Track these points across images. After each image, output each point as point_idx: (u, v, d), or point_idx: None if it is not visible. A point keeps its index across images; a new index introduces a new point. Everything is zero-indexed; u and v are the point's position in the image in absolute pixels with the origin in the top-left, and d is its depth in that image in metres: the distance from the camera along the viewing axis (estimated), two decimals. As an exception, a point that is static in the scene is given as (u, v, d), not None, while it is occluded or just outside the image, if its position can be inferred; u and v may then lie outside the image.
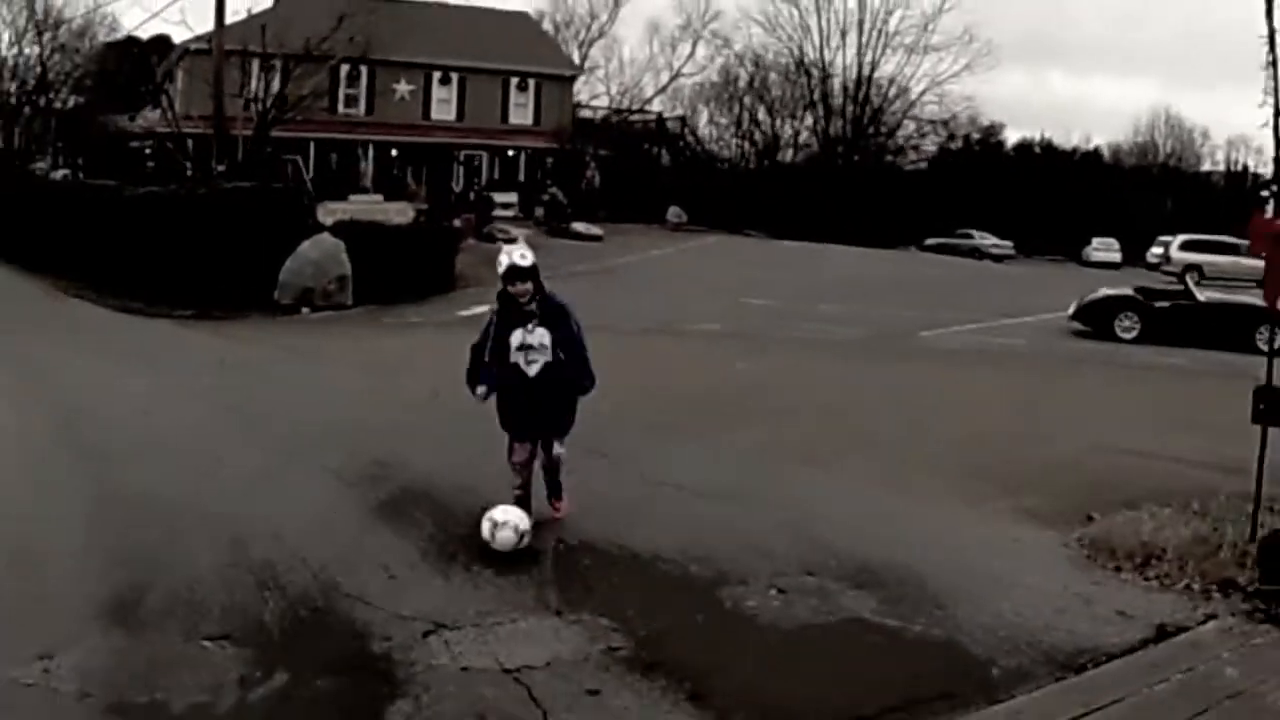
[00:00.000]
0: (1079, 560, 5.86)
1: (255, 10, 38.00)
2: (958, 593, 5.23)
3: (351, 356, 15.32)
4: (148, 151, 37.24)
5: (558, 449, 6.36)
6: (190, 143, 31.63)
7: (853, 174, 45.86)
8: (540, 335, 6.18)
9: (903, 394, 12.04)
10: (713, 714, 4.05)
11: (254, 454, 8.29)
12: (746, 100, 48.88)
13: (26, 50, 48.54)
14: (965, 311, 20.11)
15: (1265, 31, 4.29)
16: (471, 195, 37.60)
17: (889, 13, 48.33)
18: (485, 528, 5.68)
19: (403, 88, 41.54)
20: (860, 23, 48.56)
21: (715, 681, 4.24)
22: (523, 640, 4.72)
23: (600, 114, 47.13)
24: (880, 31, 48.52)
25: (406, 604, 5.11)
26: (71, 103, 47.42)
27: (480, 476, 6.93)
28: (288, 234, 22.21)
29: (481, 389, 6.27)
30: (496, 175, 42.44)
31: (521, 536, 5.67)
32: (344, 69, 38.90)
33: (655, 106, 49.49)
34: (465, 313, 20.32)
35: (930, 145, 48.48)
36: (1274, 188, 4.79)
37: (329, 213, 25.19)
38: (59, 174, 39.45)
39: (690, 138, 48.39)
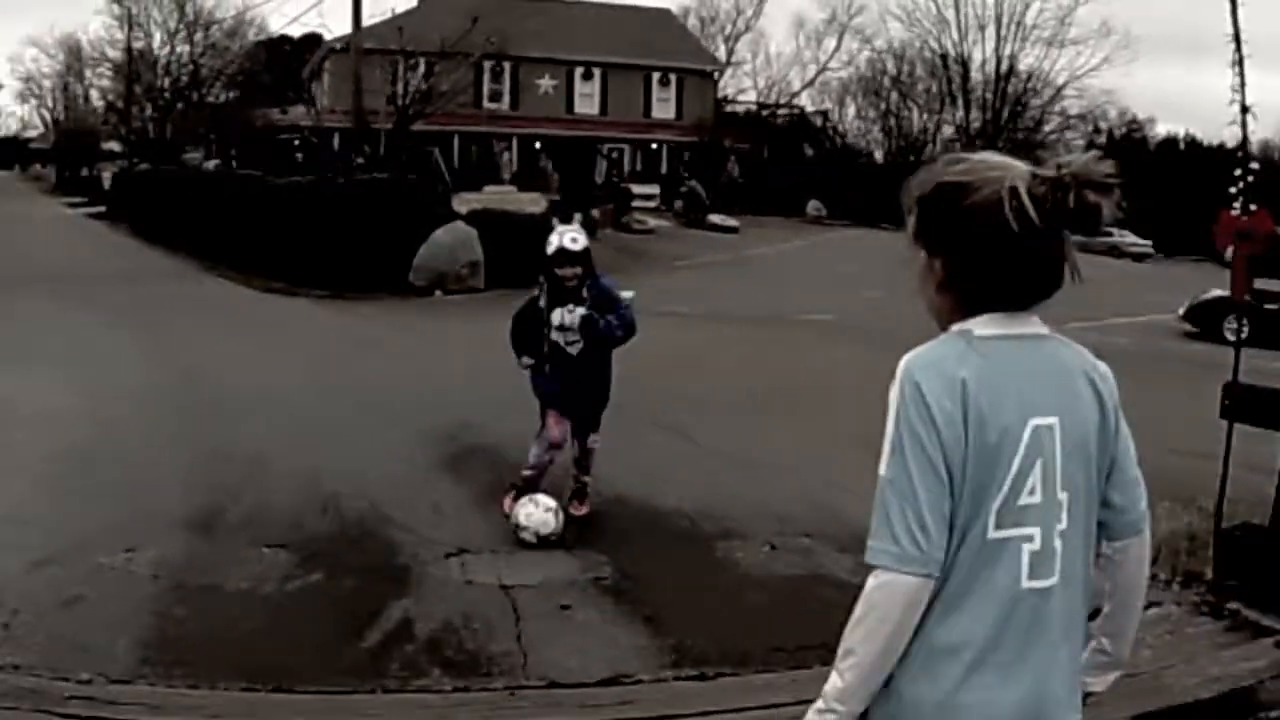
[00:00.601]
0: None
1: (400, 9, 40.00)
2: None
3: (468, 334, 16.21)
4: (296, 144, 39.35)
5: (594, 439, 6.38)
6: (337, 136, 33.45)
7: (993, 169, 45.58)
8: (578, 317, 6.07)
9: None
10: (661, 634, 4.72)
11: (350, 413, 9.36)
12: (891, 94, 48.86)
13: (179, 49, 51.48)
14: (1080, 309, 19.90)
15: (1231, 31, 4.59)
16: (608, 187, 38.57)
17: (1026, 6, 47.56)
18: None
19: (546, 83, 42.94)
20: (998, 16, 47.81)
21: (675, 611, 4.93)
22: (526, 566, 5.55)
23: (744, 108, 47.68)
24: (1018, 24, 47.69)
25: (441, 534, 6.02)
26: (224, 97, 49.73)
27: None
28: (422, 222, 23.47)
29: (527, 359, 6.30)
30: (639, 168, 43.43)
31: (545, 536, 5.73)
32: (488, 65, 40.34)
33: (803, 100, 49.90)
34: (586, 296, 21.29)
35: (1078, 139, 47.53)
36: (1239, 185, 5.04)
37: (464, 202, 26.47)
38: (211, 164, 41.50)
39: (832, 131, 48.56)
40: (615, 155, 43.56)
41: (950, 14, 48.40)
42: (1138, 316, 20.12)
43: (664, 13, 47.14)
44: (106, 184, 44.87)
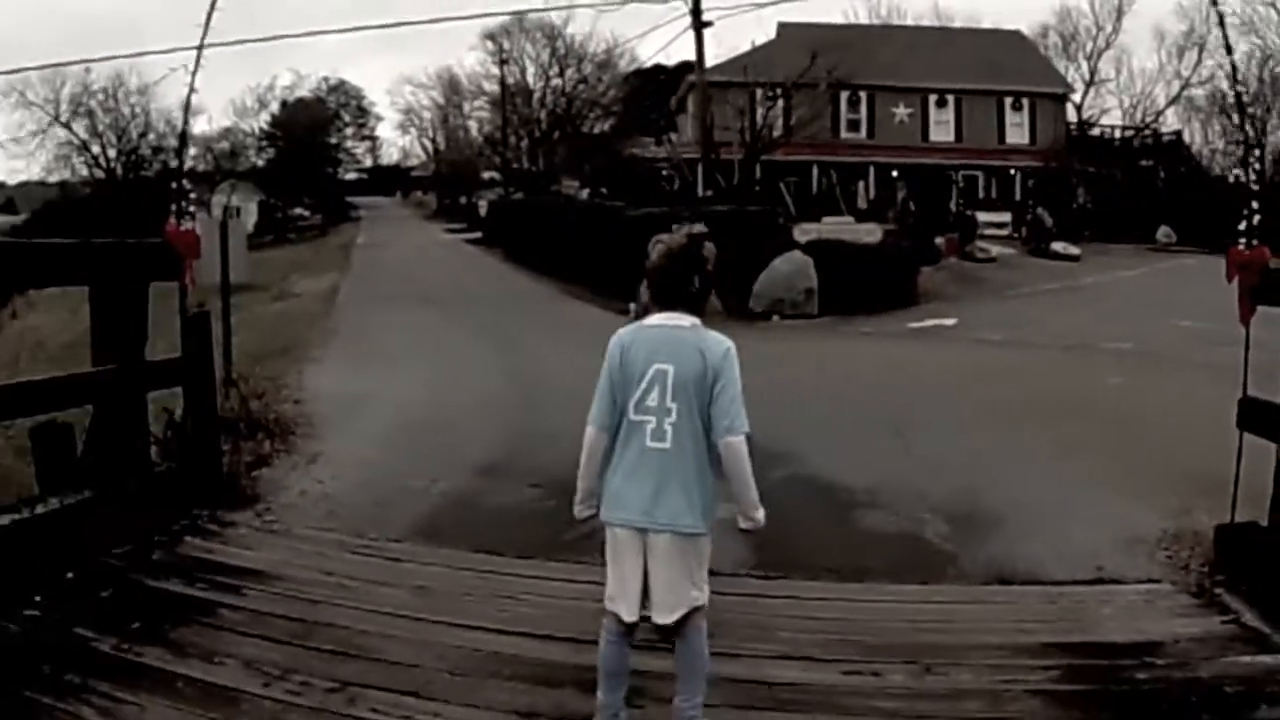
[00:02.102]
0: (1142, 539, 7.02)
1: (759, 42, 42.49)
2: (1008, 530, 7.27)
3: (788, 355, 17.98)
4: (665, 174, 41.89)
5: None
6: (700, 166, 36.11)
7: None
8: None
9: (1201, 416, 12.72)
10: (759, 559, 6.34)
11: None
12: (1255, 110, 46.34)
13: (553, 81, 55.73)
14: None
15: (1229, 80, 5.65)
16: (955, 215, 39.33)
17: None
18: None
19: (901, 111, 44.17)
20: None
21: (783, 544, 6.57)
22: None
23: (1096, 130, 46.88)
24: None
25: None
26: (598, 128, 53.51)
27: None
28: (763, 251, 25.65)
29: None
30: (994, 194, 43.82)
31: None
32: (844, 95, 42.14)
33: (1169, 116, 48.45)
34: (915, 324, 22.65)
35: None
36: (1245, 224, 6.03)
37: (803, 232, 28.54)
38: (584, 194, 45.18)
39: (1185, 153, 46.80)
40: (960, 184, 44.10)
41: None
42: None
43: (1015, 34, 47.28)
44: (482, 211, 49.80)
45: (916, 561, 6.63)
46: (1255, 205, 5.98)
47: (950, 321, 22.87)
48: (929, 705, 4.43)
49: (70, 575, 5.60)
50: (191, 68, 7.65)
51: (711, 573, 6.13)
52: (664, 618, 3.77)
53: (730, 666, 4.50)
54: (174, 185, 7.82)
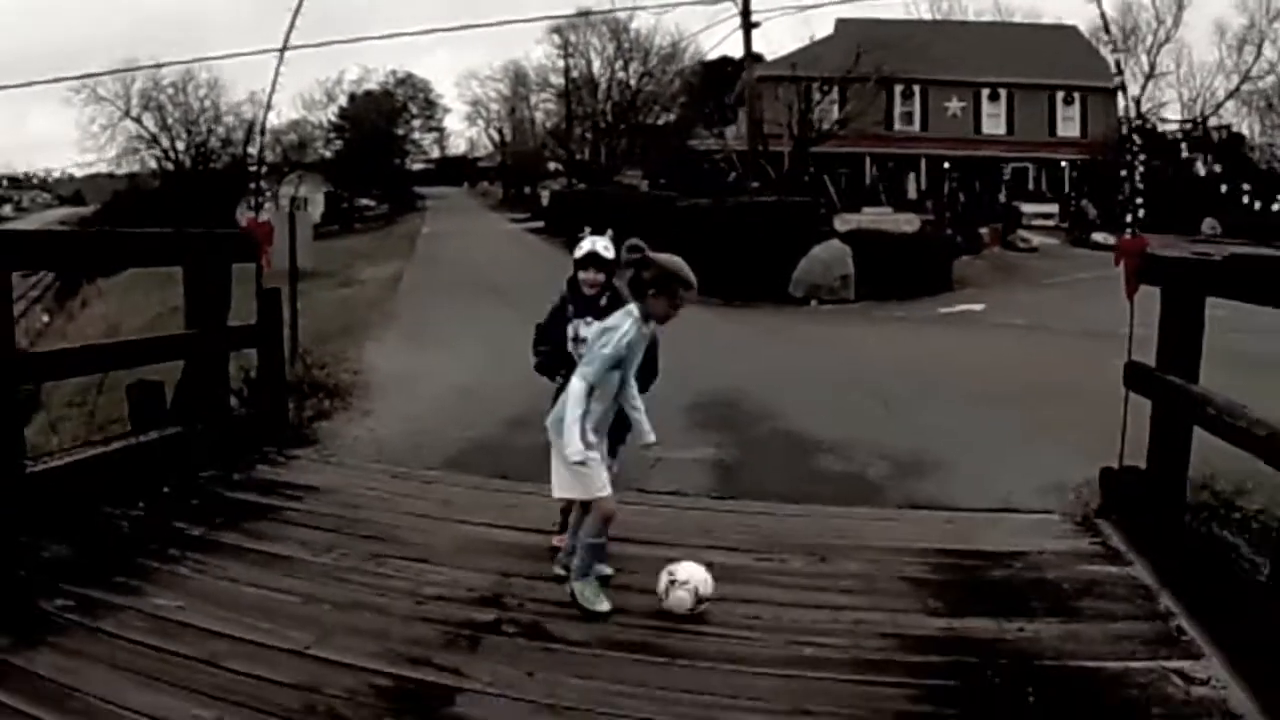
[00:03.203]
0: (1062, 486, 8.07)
1: (818, 37, 43.69)
2: (943, 474, 8.62)
3: (816, 336, 19.27)
4: (722, 166, 43.09)
5: (612, 464, 5.91)
6: (751, 158, 37.44)
7: None
8: (594, 330, 5.70)
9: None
10: (721, 487, 7.78)
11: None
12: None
13: (618, 74, 56.78)
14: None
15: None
16: (1000, 206, 40.33)
17: None
18: (662, 580, 5.24)
19: (954, 105, 45.17)
20: None
21: (740, 472, 8.01)
22: (679, 447, 8.81)
23: (1151, 124, 47.44)
24: None
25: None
26: (662, 120, 54.38)
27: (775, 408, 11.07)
28: (803, 239, 27.06)
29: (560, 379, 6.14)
30: (1044, 186, 44.75)
31: (699, 602, 5.17)
32: (898, 89, 43.27)
33: (1229, 109, 48.94)
34: (945, 310, 23.83)
35: None
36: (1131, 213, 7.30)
37: (844, 222, 29.95)
38: (644, 185, 46.72)
39: (1234, 146, 47.28)
40: (1014, 175, 44.99)
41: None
42: None
43: (1070, 29, 47.93)
44: (544, 201, 51.35)
45: (853, 493, 8.02)
46: (1139, 200, 7.27)
47: (979, 307, 24.01)
48: (814, 581, 5.81)
49: (166, 489, 7.16)
50: (273, 71, 9.12)
51: (675, 494, 7.64)
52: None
53: (676, 552, 5.83)
54: (249, 180, 9.29)
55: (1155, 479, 6.65)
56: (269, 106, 9.81)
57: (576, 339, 6.10)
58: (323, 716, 4.10)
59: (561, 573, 5.58)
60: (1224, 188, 42.66)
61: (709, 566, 5.34)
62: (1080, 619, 5.34)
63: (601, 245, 6.18)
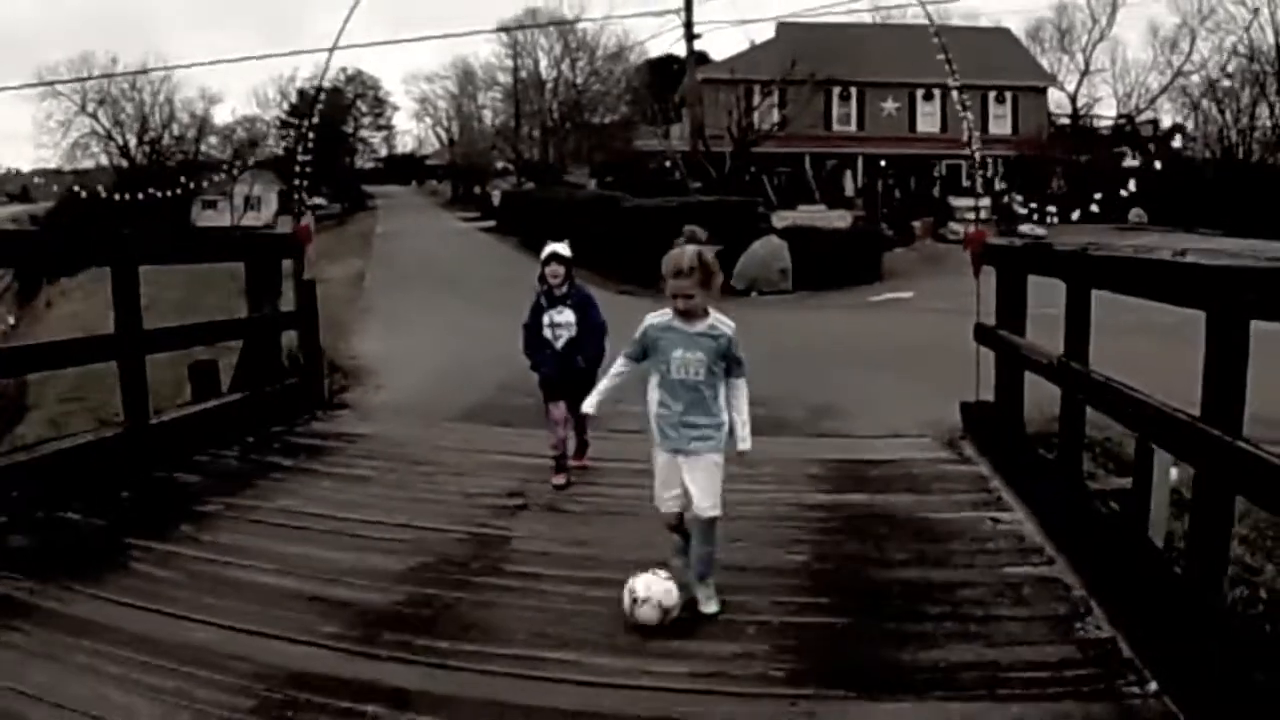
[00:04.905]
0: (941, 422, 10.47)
1: (759, 41, 46.31)
2: (848, 416, 11.17)
3: (757, 323, 21.44)
4: (667, 166, 45.54)
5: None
6: (692, 159, 39.99)
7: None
8: (567, 316, 8.08)
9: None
10: None
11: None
12: (1244, 97, 50.07)
13: (565, 73, 58.69)
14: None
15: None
16: (932, 201, 43.20)
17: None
18: (625, 599, 5.31)
19: (890, 105, 47.96)
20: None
21: None
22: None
23: (1088, 121, 50.69)
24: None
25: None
26: (609, 119, 56.68)
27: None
28: (743, 235, 29.67)
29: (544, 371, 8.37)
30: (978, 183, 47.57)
31: (666, 613, 5.26)
32: (835, 90, 46.02)
33: (1163, 105, 52.40)
34: (875, 298, 26.53)
35: None
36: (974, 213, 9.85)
37: (781, 219, 32.61)
38: (591, 184, 48.84)
39: (1159, 140, 50.57)
40: (948, 171, 47.83)
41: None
42: None
43: (1003, 32, 51.14)
44: (496, 201, 53.45)
45: (776, 430, 10.50)
46: (982, 200, 9.85)
47: (908, 295, 26.71)
48: (741, 474, 8.17)
49: (250, 439, 9.54)
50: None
51: (636, 432, 10.09)
52: None
53: (638, 464, 8.15)
54: (293, 192, 11.64)
55: (998, 407, 9.21)
56: (315, 103, 12.14)
57: (553, 325, 8.11)
58: (432, 551, 6.48)
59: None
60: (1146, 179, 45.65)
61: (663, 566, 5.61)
62: (931, 493, 7.94)
63: (561, 247, 8.13)
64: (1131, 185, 43.95)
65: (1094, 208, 43.33)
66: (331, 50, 12.04)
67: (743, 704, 4.53)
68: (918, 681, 4.67)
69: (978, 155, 11.29)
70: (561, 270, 8.07)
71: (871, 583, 5.96)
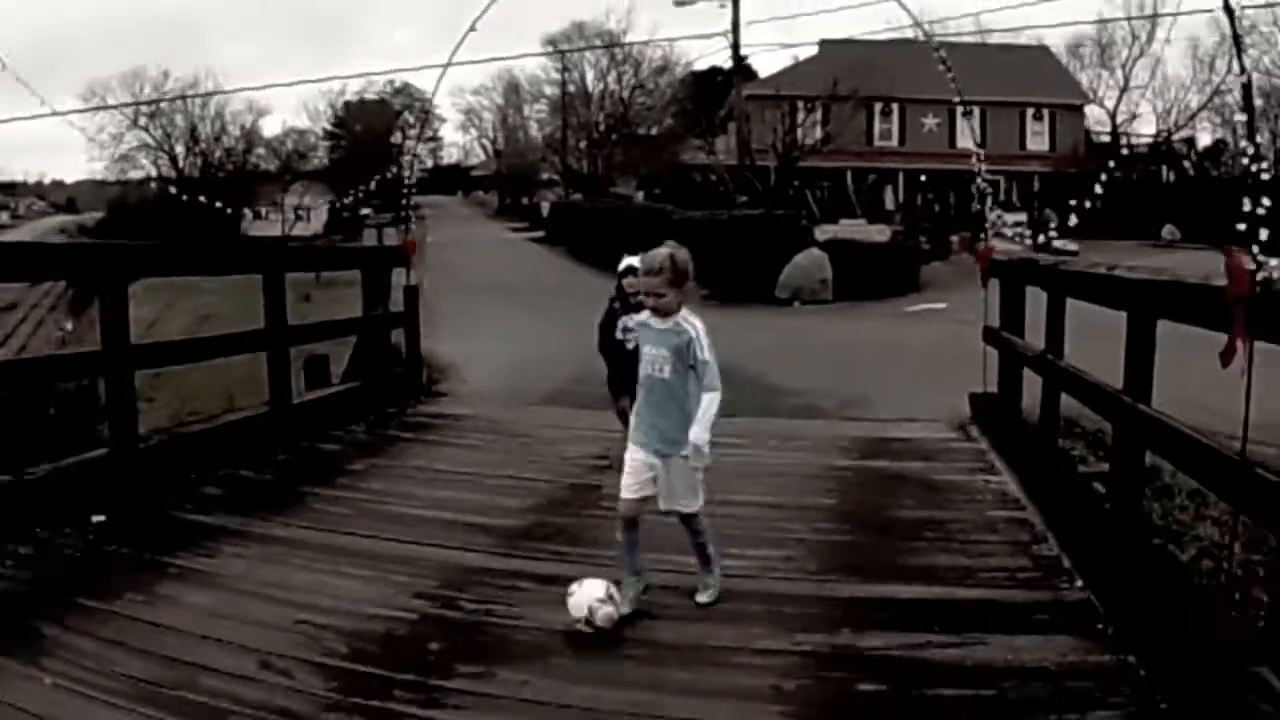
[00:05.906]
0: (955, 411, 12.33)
1: (803, 58, 48.17)
2: (874, 406, 13.08)
3: (798, 329, 23.77)
4: (713, 179, 47.37)
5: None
6: (738, 173, 41.84)
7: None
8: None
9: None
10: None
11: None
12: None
13: (611, 85, 60.02)
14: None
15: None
16: (970, 215, 44.80)
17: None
18: (579, 614, 5.55)
19: (930, 121, 49.72)
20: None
21: (732, 406, 12.24)
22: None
23: (1121, 137, 52.25)
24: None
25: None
26: (655, 129, 58.17)
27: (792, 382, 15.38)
28: (786, 248, 31.70)
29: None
30: (1014, 198, 49.27)
31: (616, 606, 5.62)
32: (878, 107, 47.85)
33: (1202, 120, 53.83)
34: (911, 308, 28.41)
35: None
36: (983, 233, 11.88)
37: (823, 232, 34.57)
38: (639, 195, 50.83)
39: (1194, 157, 52.00)
40: (984, 188, 49.27)
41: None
42: None
43: (1042, 49, 52.78)
44: (544, 212, 55.20)
45: (808, 414, 12.49)
46: (1018, 215, 11.73)
47: (941, 305, 28.50)
48: (781, 445, 10.29)
49: (371, 418, 11.56)
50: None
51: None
52: None
53: None
54: (401, 207, 13.62)
55: (1000, 397, 11.10)
56: (427, 116, 14.25)
57: (625, 329, 8.69)
58: (544, 496, 8.46)
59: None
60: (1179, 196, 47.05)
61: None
62: (937, 461, 9.89)
63: (637, 259, 7.58)
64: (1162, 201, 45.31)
65: (1128, 224, 44.81)
66: (442, 71, 13.97)
67: (788, 584, 6.47)
68: (910, 573, 6.60)
69: (982, 172, 12.99)
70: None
71: (884, 517, 7.90)
